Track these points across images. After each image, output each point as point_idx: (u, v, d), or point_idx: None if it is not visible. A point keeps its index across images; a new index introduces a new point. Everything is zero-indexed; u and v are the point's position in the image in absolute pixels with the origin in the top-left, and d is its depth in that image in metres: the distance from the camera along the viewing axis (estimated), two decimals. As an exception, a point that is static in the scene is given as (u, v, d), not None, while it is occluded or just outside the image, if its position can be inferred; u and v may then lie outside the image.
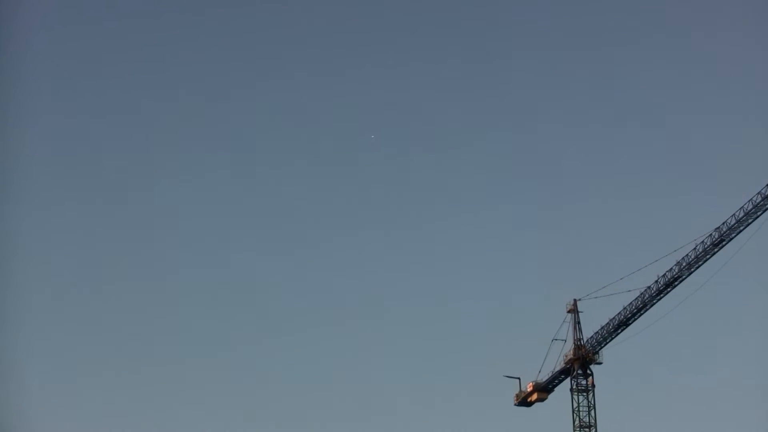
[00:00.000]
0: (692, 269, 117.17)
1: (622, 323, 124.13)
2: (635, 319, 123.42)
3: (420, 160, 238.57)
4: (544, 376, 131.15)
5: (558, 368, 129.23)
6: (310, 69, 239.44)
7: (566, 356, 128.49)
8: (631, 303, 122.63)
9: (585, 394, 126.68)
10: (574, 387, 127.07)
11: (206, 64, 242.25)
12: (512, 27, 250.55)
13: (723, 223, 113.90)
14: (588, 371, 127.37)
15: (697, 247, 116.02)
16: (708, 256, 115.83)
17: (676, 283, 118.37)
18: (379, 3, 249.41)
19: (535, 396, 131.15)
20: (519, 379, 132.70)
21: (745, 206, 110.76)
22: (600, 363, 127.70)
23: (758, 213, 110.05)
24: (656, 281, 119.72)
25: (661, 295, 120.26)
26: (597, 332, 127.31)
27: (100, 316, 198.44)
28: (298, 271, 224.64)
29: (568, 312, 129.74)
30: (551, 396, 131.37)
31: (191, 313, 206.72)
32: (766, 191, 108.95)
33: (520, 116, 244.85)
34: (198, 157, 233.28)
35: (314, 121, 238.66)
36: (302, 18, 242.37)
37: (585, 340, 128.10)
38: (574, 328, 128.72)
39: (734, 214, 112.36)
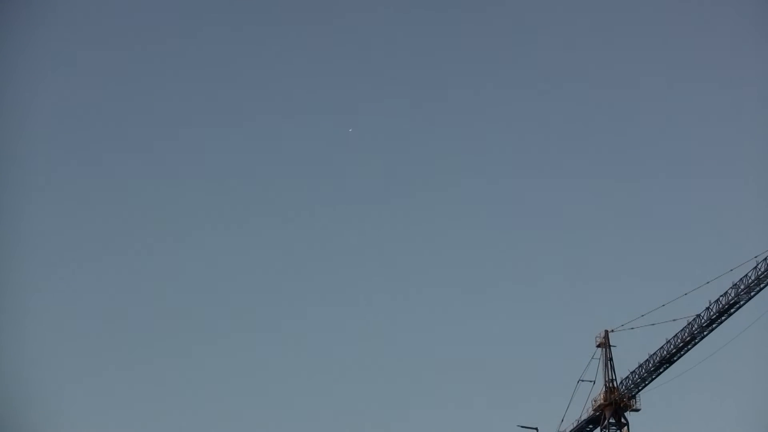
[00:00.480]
0: (752, 293, 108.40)
1: (665, 360, 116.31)
2: (681, 356, 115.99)
3: (427, 175, 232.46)
4: (567, 426, 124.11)
5: (585, 416, 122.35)
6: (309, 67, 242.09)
7: (595, 401, 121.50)
8: (676, 335, 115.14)
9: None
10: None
11: (206, 62, 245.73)
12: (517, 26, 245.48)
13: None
14: (622, 420, 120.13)
15: (759, 266, 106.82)
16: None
17: (732, 310, 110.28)
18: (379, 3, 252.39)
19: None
20: (536, 429, 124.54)
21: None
22: (637, 410, 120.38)
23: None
24: (708, 308, 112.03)
25: (714, 326, 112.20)
26: (633, 371, 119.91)
27: (100, 316, 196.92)
28: (303, 275, 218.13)
29: (598, 346, 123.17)
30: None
31: (194, 311, 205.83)
32: None
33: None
34: (198, 156, 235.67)
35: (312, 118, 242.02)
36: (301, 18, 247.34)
37: (619, 381, 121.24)
38: (606, 366, 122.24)
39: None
